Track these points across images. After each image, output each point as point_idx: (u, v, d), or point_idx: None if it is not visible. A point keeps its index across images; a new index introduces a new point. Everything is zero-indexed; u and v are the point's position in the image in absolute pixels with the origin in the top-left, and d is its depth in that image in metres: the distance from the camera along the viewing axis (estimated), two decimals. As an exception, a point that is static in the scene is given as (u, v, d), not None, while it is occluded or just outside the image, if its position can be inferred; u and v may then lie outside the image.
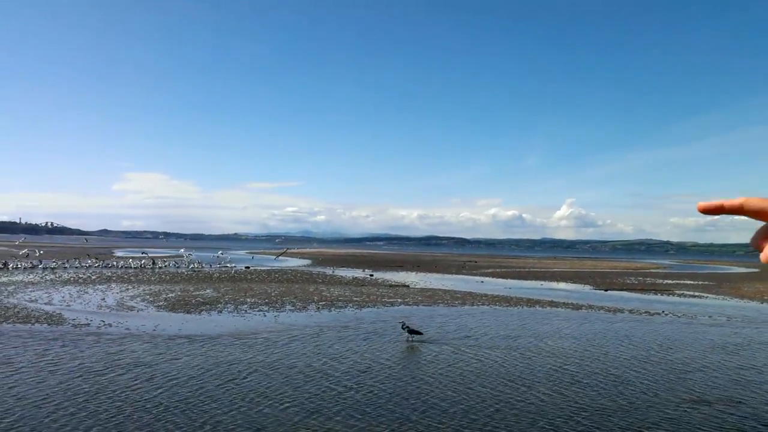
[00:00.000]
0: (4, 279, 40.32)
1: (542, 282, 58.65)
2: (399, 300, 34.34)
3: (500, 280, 60.00)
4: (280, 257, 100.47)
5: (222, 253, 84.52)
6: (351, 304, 31.23)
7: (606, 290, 49.84)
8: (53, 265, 56.95)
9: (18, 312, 24.16)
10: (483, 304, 33.63)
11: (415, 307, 31.47)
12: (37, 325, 21.45)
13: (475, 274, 69.39)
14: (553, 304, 35.34)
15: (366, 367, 16.68)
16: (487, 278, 62.91)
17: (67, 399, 12.46)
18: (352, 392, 13.90)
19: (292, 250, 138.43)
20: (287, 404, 12.72)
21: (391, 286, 46.50)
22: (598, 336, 23.63)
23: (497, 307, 32.76)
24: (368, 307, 30.67)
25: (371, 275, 60.49)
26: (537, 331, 24.29)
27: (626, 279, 66.82)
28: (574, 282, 60.10)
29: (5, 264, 54.12)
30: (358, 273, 64.02)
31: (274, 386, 14.16)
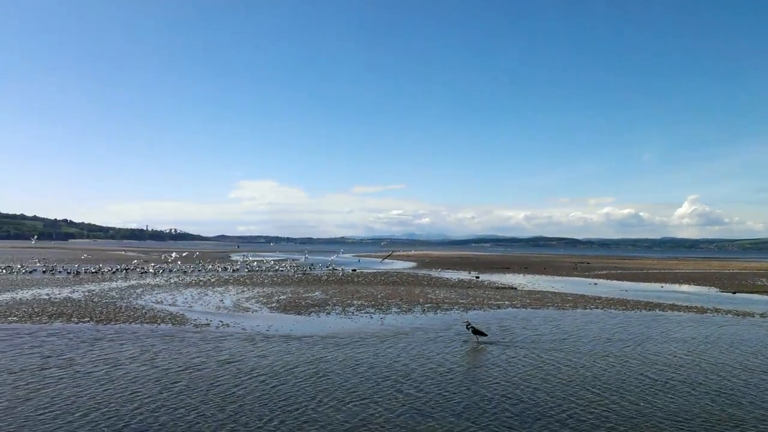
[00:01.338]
0: (133, 282, 43.80)
1: (663, 284, 55.00)
2: (506, 302, 33.49)
3: (615, 282, 56.99)
4: (385, 260, 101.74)
5: (336, 257, 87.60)
6: (457, 307, 30.86)
7: (734, 293, 45.92)
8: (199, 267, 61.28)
9: (146, 313, 26.06)
10: (596, 308, 32.01)
11: (523, 309, 30.54)
12: (162, 325, 22.98)
13: (588, 276, 66.47)
14: (674, 307, 32.96)
15: (465, 369, 16.33)
16: (600, 280, 60.03)
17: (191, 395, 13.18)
18: (450, 394, 13.62)
19: (397, 253, 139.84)
20: (378, 403, 12.66)
21: (498, 288, 45.54)
22: (719, 342, 21.71)
23: (612, 310, 31.04)
24: (474, 309, 30.16)
25: (477, 277, 59.67)
26: (650, 336, 22.74)
27: (757, 280, 61.06)
28: (699, 284, 55.84)
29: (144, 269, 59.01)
30: (464, 275, 63.36)
31: (372, 386, 14.16)
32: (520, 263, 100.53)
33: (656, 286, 53.14)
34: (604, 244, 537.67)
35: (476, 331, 20.75)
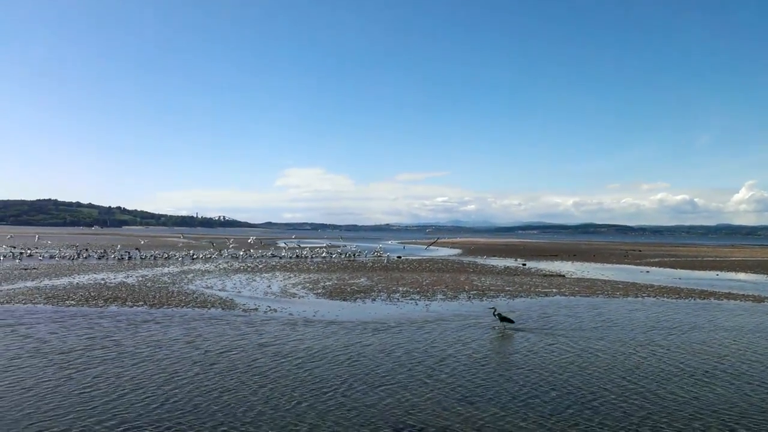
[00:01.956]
0: (184, 268, 44.99)
1: (718, 272, 53.07)
2: (554, 290, 32.89)
3: (668, 270, 55.30)
4: (430, 247, 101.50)
5: (381, 244, 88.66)
6: (503, 294, 30.48)
7: (798, 281, 43.84)
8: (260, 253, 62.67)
9: (196, 297, 26.70)
10: (647, 296, 31.10)
11: (571, 297, 29.93)
12: (212, 309, 23.48)
13: (640, 264, 64.72)
14: (730, 296, 31.73)
15: (505, 356, 16.05)
16: (653, 268, 58.36)
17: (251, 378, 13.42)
18: (487, 380, 13.42)
19: (443, 240, 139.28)
20: (415, 388, 12.58)
21: (545, 275, 44.79)
22: (790, 333, 20.72)
23: (664, 299, 30.10)
24: (521, 297, 29.73)
25: (524, 265, 58.85)
26: (700, 325, 21.92)
27: (824, 269, 58.12)
28: (756, 272, 53.63)
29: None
30: (510, 262, 62.59)
31: (412, 371, 14.10)
32: (569, 251, 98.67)
33: (711, 274, 51.34)
34: (656, 231, 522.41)
35: (503, 318, 20.46)
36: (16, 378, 12.90)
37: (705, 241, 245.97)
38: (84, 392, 12.04)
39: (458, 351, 16.77)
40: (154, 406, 11.33)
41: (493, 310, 21.30)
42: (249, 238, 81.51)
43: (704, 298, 30.59)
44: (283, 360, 15.18)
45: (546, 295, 30.39)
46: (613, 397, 12.60)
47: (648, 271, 52.99)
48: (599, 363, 15.68)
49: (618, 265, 62.26)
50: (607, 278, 43.27)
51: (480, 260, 65.53)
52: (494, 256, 77.28)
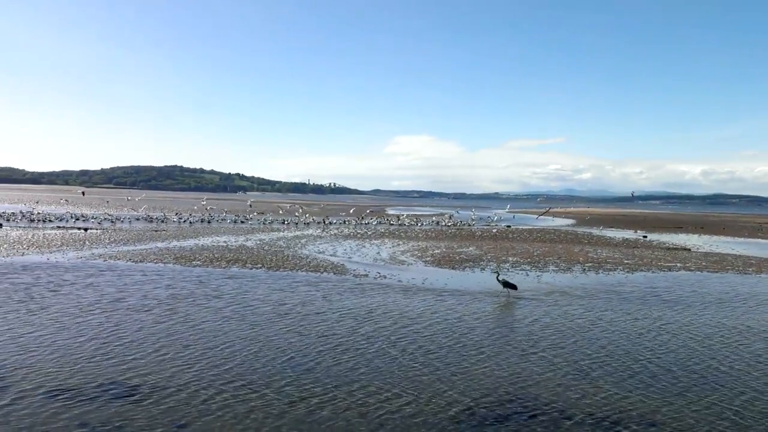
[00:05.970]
0: (297, 233, 46.77)
1: None
2: (678, 264, 30.74)
3: (812, 246, 49.94)
4: (541, 216, 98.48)
5: (490, 212, 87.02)
6: (621, 267, 28.92)
7: None
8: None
9: (310, 262, 27.66)
10: (789, 274, 28.30)
11: (698, 272, 27.84)
12: (325, 273, 24.23)
13: (777, 238, 58.93)
14: None
15: (637, 334, 15.17)
16: (793, 243, 52.95)
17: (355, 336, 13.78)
18: (610, 357, 12.74)
19: (555, 209, 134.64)
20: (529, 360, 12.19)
21: (668, 249, 41.98)
22: None
23: (809, 277, 27.23)
24: (641, 270, 28.05)
25: (644, 237, 55.56)
26: None
27: None
28: None
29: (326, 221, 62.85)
30: (629, 234, 59.31)
31: (518, 343, 13.72)
32: (695, 223, 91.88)
33: None
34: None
35: (506, 284, 19.86)
36: (148, 325, 14.04)
37: None
38: (211, 341, 12.87)
39: (569, 326, 16.14)
40: (295, 362, 11.88)
41: (496, 274, 21.08)
42: (359, 206, 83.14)
43: None
44: (393, 325, 15.35)
45: (669, 270, 28.48)
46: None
47: (788, 247, 48.21)
48: (725, 346, 14.46)
49: (750, 239, 57.15)
50: (738, 253, 39.85)
51: (595, 231, 62.65)
52: (611, 227, 73.56)
